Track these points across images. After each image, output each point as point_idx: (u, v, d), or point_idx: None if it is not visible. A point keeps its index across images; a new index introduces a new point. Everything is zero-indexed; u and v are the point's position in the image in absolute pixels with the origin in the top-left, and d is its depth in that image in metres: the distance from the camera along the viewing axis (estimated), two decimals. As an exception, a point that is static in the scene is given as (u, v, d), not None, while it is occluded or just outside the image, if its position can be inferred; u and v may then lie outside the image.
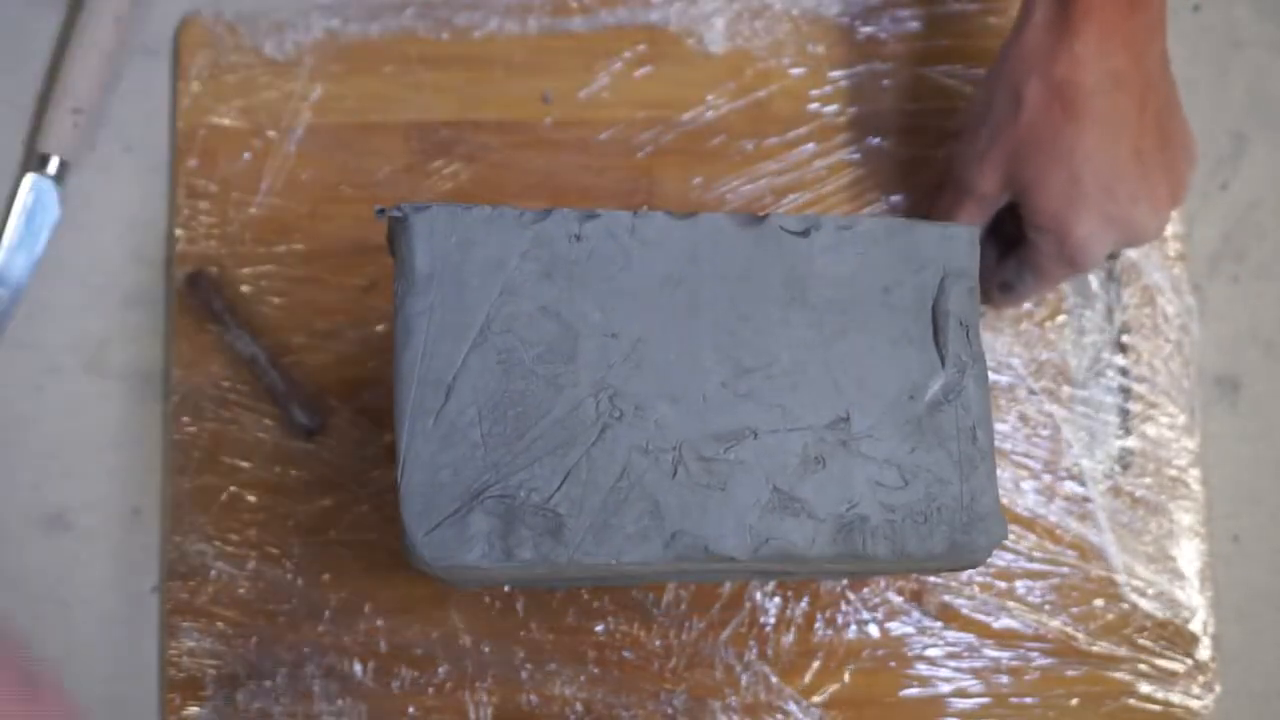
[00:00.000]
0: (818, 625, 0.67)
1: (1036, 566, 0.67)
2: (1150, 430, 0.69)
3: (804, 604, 0.67)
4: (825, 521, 0.48)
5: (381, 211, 0.48)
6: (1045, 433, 0.69)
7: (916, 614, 0.67)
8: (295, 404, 0.67)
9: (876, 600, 0.67)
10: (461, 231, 0.48)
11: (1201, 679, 0.67)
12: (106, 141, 0.71)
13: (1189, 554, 0.68)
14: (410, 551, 0.46)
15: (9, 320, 0.69)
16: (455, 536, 0.46)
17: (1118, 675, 0.67)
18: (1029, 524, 0.68)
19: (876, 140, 0.71)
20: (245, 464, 0.67)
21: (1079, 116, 0.58)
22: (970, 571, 0.67)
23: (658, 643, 0.66)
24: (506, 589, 0.66)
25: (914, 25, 0.72)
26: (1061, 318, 0.70)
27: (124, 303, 0.70)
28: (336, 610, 0.66)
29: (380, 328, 0.68)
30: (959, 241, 0.51)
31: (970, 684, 0.67)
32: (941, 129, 0.71)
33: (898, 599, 0.67)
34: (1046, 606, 0.67)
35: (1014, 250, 0.64)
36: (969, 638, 0.67)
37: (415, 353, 0.47)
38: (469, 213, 0.48)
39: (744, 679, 0.66)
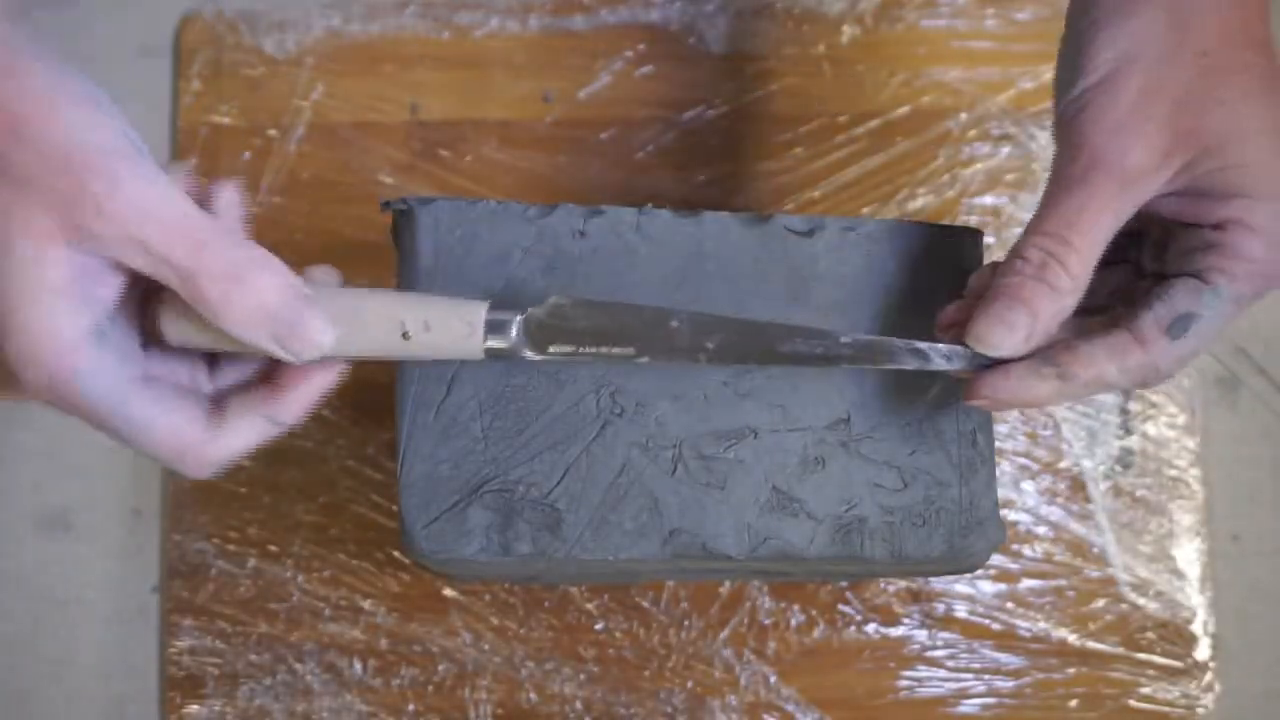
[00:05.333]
0: (818, 625, 0.67)
1: (1036, 567, 0.67)
2: (1150, 430, 0.69)
3: (803, 604, 0.66)
4: (824, 522, 0.48)
5: (387, 204, 0.48)
6: (1045, 433, 0.69)
7: (916, 615, 0.67)
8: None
9: (876, 601, 0.67)
10: (466, 225, 0.48)
11: (1201, 679, 0.67)
12: (107, 141, 0.71)
13: (1189, 554, 0.68)
14: (409, 544, 0.47)
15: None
16: (454, 529, 0.46)
17: (1118, 675, 0.67)
18: (1029, 524, 0.68)
19: (878, 140, 0.71)
20: (245, 462, 0.67)
21: (1265, 47, 0.41)
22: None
23: (657, 641, 0.66)
24: (506, 587, 0.66)
25: (915, 24, 0.72)
26: (1061, 318, 0.70)
27: (124, 302, 0.70)
28: (336, 608, 0.66)
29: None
30: (964, 243, 0.51)
31: (970, 684, 0.67)
32: (944, 128, 0.71)
33: (897, 600, 0.67)
34: (1046, 607, 0.67)
35: (1170, 276, 0.43)
36: (969, 638, 0.67)
37: None
38: (473, 206, 0.48)
39: (743, 678, 0.66)
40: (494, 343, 0.41)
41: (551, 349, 0.42)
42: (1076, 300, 0.43)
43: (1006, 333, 0.42)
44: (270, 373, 0.43)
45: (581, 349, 0.42)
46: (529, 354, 0.42)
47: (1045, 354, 0.43)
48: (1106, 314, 0.44)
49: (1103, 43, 0.42)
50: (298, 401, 0.42)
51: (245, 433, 0.42)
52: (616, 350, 0.42)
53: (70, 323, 0.38)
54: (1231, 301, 0.41)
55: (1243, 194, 0.41)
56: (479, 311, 0.41)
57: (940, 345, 0.44)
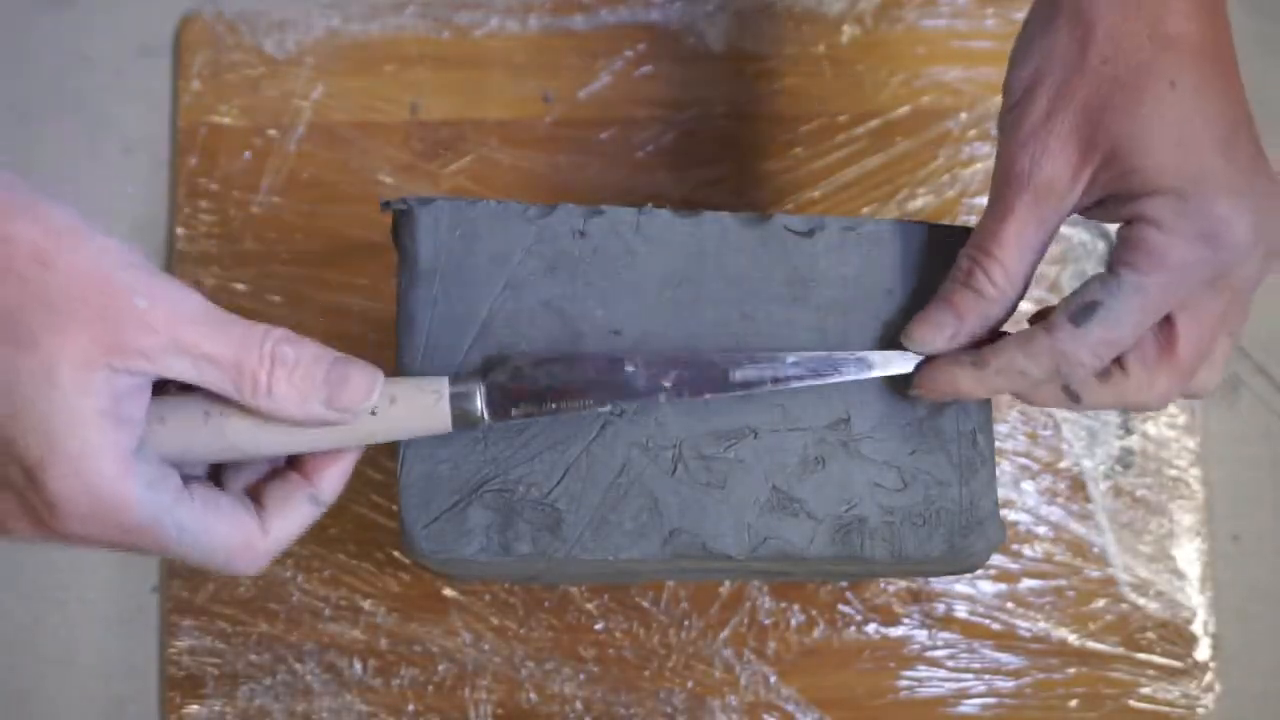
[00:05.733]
0: (818, 625, 0.67)
1: (1036, 567, 0.67)
2: (1150, 430, 0.69)
3: (803, 604, 0.67)
4: (824, 522, 0.48)
5: (387, 204, 0.48)
6: (1045, 433, 0.69)
7: (916, 615, 0.67)
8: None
9: (876, 601, 0.67)
10: (466, 225, 0.48)
11: (1201, 679, 0.67)
12: (107, 141, 0.71)
13: (1189, 554, 0.68)
14: (409, 543, 0.46)
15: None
16: (454, 529, 0.46)
17: (1118, 675, 0.67)
18: (1029, 524, 0.68)
19: (878, 140, 0.71)
20: (245, 462, 0.67)
21: (1173, 43, 0.43)
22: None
23: (657, 641, 0.66)
24: (506, 587, 0.66)
25: (915, 24, 0.72)
26: (1061, 318, 0.70)
27: (124, 302, 0.70)
28: (336, 608, 0.66)
29: (379, 331, 0.68)
30: (962, 243, 0.51)
31: (970, 684, 0.67)
32: (944, 128, 0.71)
33: (897, 600, 0.67)
34: (1046, 607, 0.67)
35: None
36: (969, 638, 0.67)
37: (417, 345, 0.47)
38: (474, 206, 0.48)
39: (743, 678, 0.66)
40: (460, 410, 0.43)
41: (514, 412, 0.45)
42: (1006, 306, 0.46)
43: (933, 331, 0.46)
44: (295, 463, 0.44)
45: (545, 405, 0.45)
46: (490, 420, 0.44)
47: (971, 348, 0.47)
48: None
49: (1021, 63, 0.45)
50: (335, 478, 0.44)
51: (293, 518, 0.43)
52: (576, 404, 0.45)
53: (119, 444, 0.38)
54: (1135, 291, 0.43)
55: (1144, 192, 0.42)
56: (442, 384, 0.43)
57: (886, 353, 0.48)
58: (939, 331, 0.46)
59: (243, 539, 0.42)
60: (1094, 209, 0.45)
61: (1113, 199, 0.44)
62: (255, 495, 0.44)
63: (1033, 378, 0.45)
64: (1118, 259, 0.43)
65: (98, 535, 0.39)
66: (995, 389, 0.46)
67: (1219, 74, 0.44)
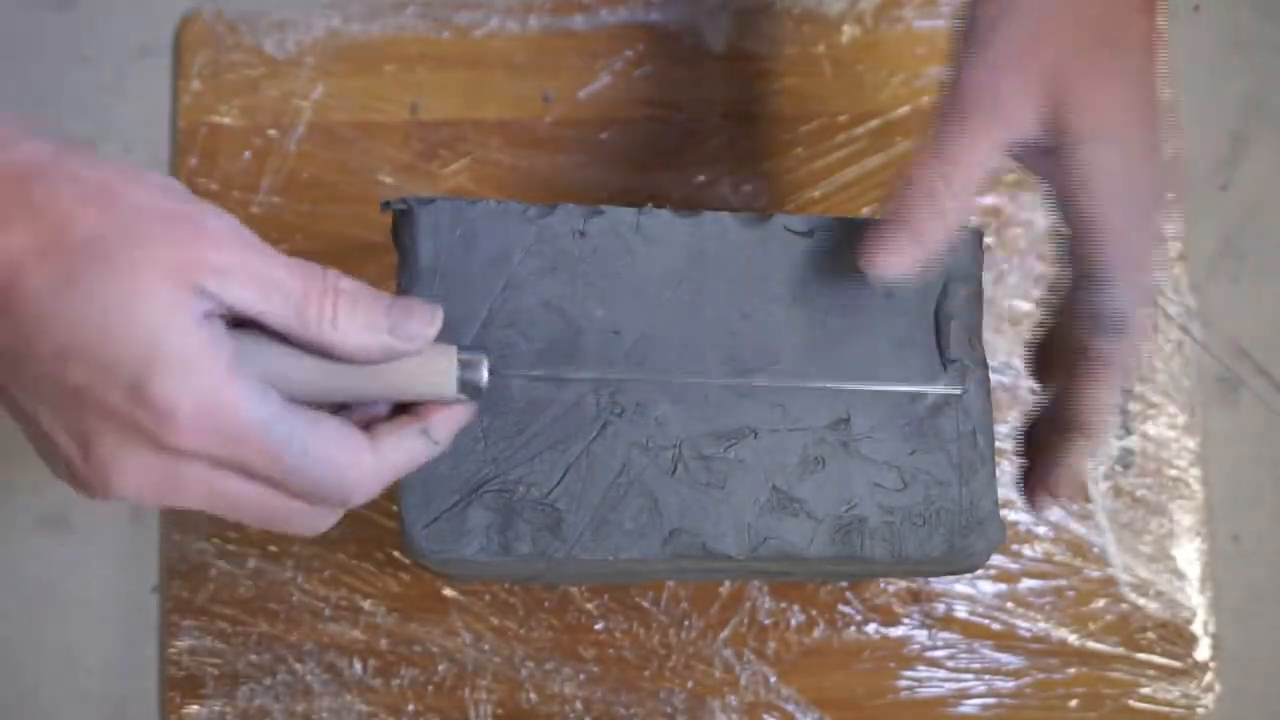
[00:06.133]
0: (818, 625, 0.67)
1: (1036, 567, 0.67)
2: (1150, 430, 0.69)
3: (803, 604, 0.67)
4: (823, 522, 0.48)
5: (387, 204, 0.48)
6: (1045, 433, 0.69)
7: (916, 615, 0.67)
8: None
9: (876, 601, 0.67)
10: (466, 225, 0.48)
11: (1201, 679, 0.67)
12: (107, 141, 0.72)
13: (1189, 554, 0.68)
14: (409, 544, 0.47)
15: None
16: (454, 529, 0.46)
17: (1118, 675, 0.67)
18: (1029, 524, 0.68)
19: (878, 140, 0.71)
20: (245, 463, 0.67)
21: (1141, 6, 0.47)
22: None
23: (657, 641, 0.66)
24: (506, 587, 0.66)
25: (915, 24, 0.72)
26: (1061, 318, 0.70)
27: (124, 302, 0.70)
28: (336, 608, 0.66)
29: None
30: (963, 244, 0.51)
31: (970, 684, 0.67)
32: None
33: (897, 600, 0.67)
34: (1046, 607, 0.67)
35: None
36: (969, 638, 0.67)
37: None
38: (474, 206, 0.48)
39: (743, 678, 0.66)
40: (468, 375, 0.43)
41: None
42: (958, 226, 0.47)
43: (897, 258, 0.46)
44: (406, 407, 0.44)
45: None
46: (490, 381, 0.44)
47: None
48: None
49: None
50: (447, 421, 0.43)
51: (402, 448, 0.42)
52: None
53: (220, 351, 0.38)
54: (1110, 283, 0.46)
55: (1086, 133, 0.46)
56: (450, 349, 0.43)
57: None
58: (902, 258, 0.46)
59: (352, 453, 0.41)
60: (1027, 150, 0.47)
61: (1053, 133, 0.46)
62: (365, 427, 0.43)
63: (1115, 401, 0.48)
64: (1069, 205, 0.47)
65: (212, 445, 0.38)
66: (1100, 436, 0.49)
67: (1153, 59, 0.47)
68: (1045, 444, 0.51)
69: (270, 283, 0.38)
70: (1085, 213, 0.46)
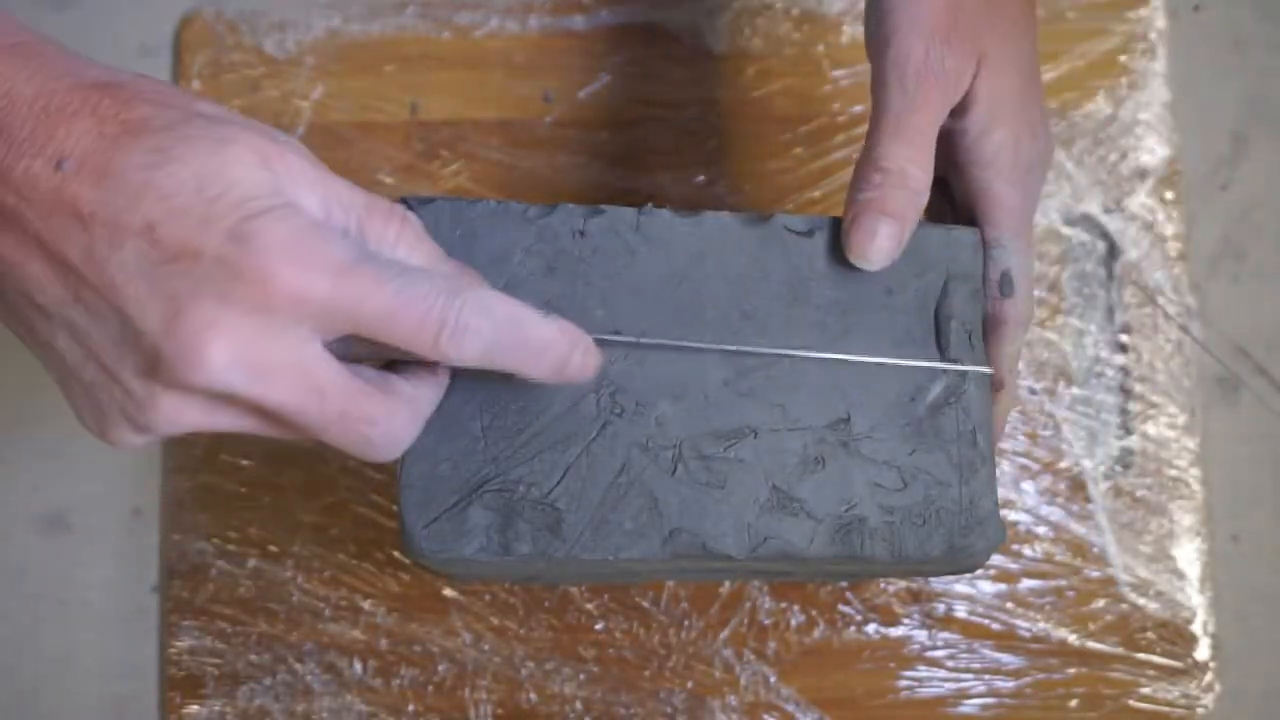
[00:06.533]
0: (818, 625, 0.67)
1: (1036, 567, 0.67)
2: (1150, 430, 0.69)
3: (803, 604, 0.67)
4: (823, 522, 0.48)
5: None
6: (1045, 433, 0.69)
7: (916, 615, 0.67)
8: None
9: (876, 601, 0.67)
10: (465, 225, 0.48)
11: (1201, 679, 0.67)
12: (107, 141, 0.71)
13: (1189, 554, 0.68)
14: (409, 544, 0.46)
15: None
16: (454, 529, 0.46)
17: (1118, 675, 0.67)
18: (1029, 524, 0.68)
19: (877, 140, 0.71)
20: (245, 462, 0.67)
21: None
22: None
23: (657, 641, 0.66)
24: (506, 587, 0.66)
25: (914, 25, 0.72)
26: (1061, 318, 0.70)
27: (124, 302, 0.70)
28: (336, 608, 0.66)
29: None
30: (963, 244, 0.51)
31: (970, 684, 0.67)
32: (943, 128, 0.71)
33: (897, 600, 0.67)
34: (1046, 607, 0.67)
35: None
36: (969, 638, 0.67)
37: None
38: (473, 206, 0.48)
39: (743, 678, 0.66)
40: None
41: None
42: (927, 195, 0.49)
43: (886, 243, 0.48)
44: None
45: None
46: None
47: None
48: None
49: None
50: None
51: (425, 376, 0.44)
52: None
53: (301, 208, 0.39)
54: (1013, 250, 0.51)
55: (979, 109, 0.49)
56: None
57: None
58: (891, 241, 0.48)
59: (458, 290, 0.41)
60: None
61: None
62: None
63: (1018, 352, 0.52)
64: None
65: (314, 283, 0.37)
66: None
67: (1033, 25, 0.52)
68: None
69: (333, 194, 0.40)
70: (987, 186, 0.51)
